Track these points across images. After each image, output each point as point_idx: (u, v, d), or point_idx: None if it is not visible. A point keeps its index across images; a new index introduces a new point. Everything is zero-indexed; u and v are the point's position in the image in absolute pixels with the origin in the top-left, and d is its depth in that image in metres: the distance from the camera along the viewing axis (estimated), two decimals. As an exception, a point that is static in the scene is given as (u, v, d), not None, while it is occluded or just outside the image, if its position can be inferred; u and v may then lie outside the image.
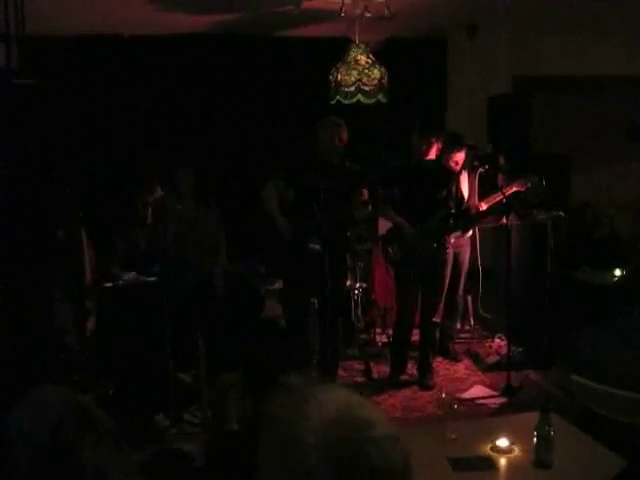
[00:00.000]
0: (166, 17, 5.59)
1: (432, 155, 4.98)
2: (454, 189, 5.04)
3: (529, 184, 5.15)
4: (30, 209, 4.24)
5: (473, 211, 5.29)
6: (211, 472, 2.23)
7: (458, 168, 5.45)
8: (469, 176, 5.62)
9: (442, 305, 5.33)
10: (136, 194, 5.40)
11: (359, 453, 0.96)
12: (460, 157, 5.39)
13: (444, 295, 5.18)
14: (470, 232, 5.60)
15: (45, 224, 4.45)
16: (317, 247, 4.53)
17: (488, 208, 5.33)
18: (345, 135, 4.79)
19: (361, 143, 6.37)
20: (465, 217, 5.11)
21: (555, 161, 6.54)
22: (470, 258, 5.74)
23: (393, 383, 5.15)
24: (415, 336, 5.31)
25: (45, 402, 1.29)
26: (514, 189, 5.17)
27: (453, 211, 5.00)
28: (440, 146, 5.01)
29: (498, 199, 5.20)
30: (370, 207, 4.99)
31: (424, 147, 4.94)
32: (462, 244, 5.57)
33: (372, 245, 5.87)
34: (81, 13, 5.31)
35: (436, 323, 5.19)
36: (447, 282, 5.17)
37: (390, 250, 5.02)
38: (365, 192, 4.84)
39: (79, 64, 6.06)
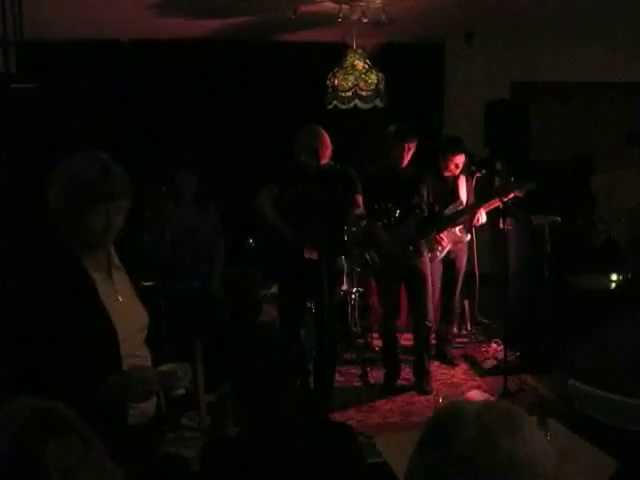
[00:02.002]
0: (164, 22, 5.60)
1: (406, 160, 4.97)
2: (426, 193, 5.04)
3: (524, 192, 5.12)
4: (28, 212, 4.24)
5: (446, 213, 5.28)
6: (206, 477, 2.23)
7: (458, 171, 5.47)
8: (467, 181, 5.63)
9: (438, 309, 5.32)
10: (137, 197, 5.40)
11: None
12: (460, 160, 5.41)
13: (430, 298, 5.14)
14: (468, 237, 5.60)
15: (43, 227, 4.44)
16: (313, 257, 4.53)
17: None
18: (321, 141, 4.59)
19: (357, 148, 6.40)
20: (438, 220, 5.12)
21: (553, 167, 6.56)
22: (467, 263, 5.74)
23: (388, 388, 5.14)
24: (410, 341, 5.30)
25: (11, 407, 1.30)
26: (512, 195, 5.15)
27: (426, 214, 5.01)
28: (414, 151, 4.98)
29: (495, 205, 5.21)
30: (365, 222, 4.98)
31: (402, 153, 4.90)
32: (459, 249, 5.58)
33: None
34: (79, 18, 5.32)
35: (429, 327, 5.17)
36: (430, 285, 5.12)
37: (367, 256, 5.02)
38: (360, 199, 4.79)
39: (77, 69, 6.07)
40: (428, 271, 5.11)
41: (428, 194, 5.09)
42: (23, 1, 3.62)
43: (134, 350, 2.33)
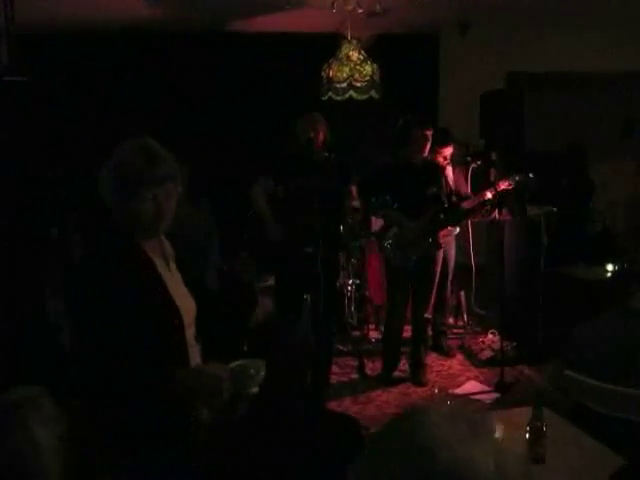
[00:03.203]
0: (158, 13, 5.57)
1: (427, 149, 4.93)
2: (444, 183, 5.03)
3: (515, 180, 5.11)
4: (23, 207, 4.23)
5: (463, 205, 5.25)
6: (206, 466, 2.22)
7: (446, 163, 5.45)
8: (454, 171, 5.61)
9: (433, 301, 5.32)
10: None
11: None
12: (449, 152, 5.41)
13: (434, 291, 5.16)
14: (457, 229, 5.59)
15: (38, 222, 4.43)
16: (310, 250, 4.51)
17: (479, 201, 5.30)
18: (324, 130, 4.67)
19: (352, 139, 6.38)
20: (456, 211, 5.10)
21: (549, 157, 6.56)
22: (461, 254, 5.74)
23: (385, 380, 5.14)
24: (407, 332, 5.30)
25: None
26: (501, 187, 5.13)
27: (446, 206, 4.99)
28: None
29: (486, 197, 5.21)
30: (359, 214, 4.96)
31: (425, 141, 4.85)
32: (448, 241, 5.54)
33: (365, 240, 5.85)
34: (71, 9, 5.29)
35: (428, 319, 5.18)
36: (437, 279, 5.15)
37: (387, 246, 4.99)
38: (354, 189, 4.78)
39: (70, 60, 6.04)
40: (439, 265, 5.11)
41: (446, 184, 5.07)
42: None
43: (192, 340, 2.30)
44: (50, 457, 1.29)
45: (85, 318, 2.09)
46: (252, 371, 2.26)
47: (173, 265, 2.34)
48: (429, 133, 4.86)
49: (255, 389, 2.24)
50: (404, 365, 5.31)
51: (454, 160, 5.60)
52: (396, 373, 5.25)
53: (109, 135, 6.30)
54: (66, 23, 5.72)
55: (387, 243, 4.96)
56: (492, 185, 5.06)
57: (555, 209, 5.57)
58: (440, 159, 5.37)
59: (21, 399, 1.33)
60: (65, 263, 4.71)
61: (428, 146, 4.91)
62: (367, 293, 6.05)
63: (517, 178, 5.02)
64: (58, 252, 4.70)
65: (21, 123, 3.73)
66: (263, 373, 2.25)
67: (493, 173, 5.76)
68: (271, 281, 5.38)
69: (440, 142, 5.35)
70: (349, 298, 5.85)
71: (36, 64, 4.59)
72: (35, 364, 4.02)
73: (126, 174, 2.13)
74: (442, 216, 4.97)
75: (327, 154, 4.65)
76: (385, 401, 4.86)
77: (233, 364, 2.29)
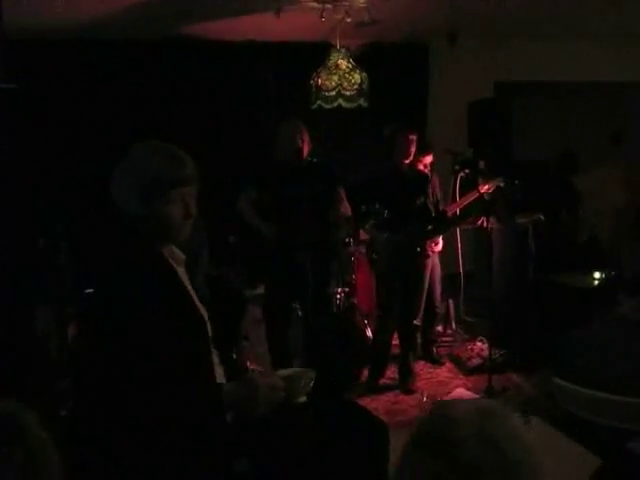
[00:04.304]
0: (151, 21, 5.59)
1: (412, 155, 4.94)
2: (430, 192, 5.05)
3: (496, 184, 5.14)
4: (11, 216, 4.21)
5: (450, 214, 5.29)
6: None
7: (426, 171, 5.47)
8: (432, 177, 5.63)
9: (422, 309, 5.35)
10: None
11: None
12: (428, 160, 5.43)
13: (423, 298, 5.17)
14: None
15: (26, 231, 4.41)
16: (300, 258, 4.49)
17: (465, 210, 5.34)
18: (308, 136, 4.65)
19: (341, 147, 6.40)
20: (444, 220, 5.13)
21: (536, 166, 6.60)
22: (447, 262, 5.76)
23: (371, 388, 5.12)
24: (396, 340, 5.31)
25: None
26: (483, 190, 5.14)
27: (434, 215, 5.02)
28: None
29: (468, 201, 5.23)
30: (351, 224, 4.97)
31: (408, 145, 4.84)
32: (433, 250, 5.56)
33: (354, 249, 5.86)
34: (61, 17, 5.29)
35: (417, 326, 5.19)
36: (426, 286, 5.16)
37: (375, 256, 5.01)
38: (342, 193, 4.79)
39: (61, 68, 6.04)
40: (428, 272, 5.13)
41: (433, 194, 5.09)
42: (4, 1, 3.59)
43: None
44: (51, 465, 1.29)
45: (120, 342, 1.92)
46: (304, 379, 2.21)
47: (185, 270, 2.25)
48: (412, 137, 4.85)
49: (303, 398, 2.21)
50: (393, 373, 5.31)
51: (434, 168, 5.62)
52: (385, 381, 5.25)
53: (100, 142, 6.31)
54: (57, 29, 5.72)
55: (375, 253, 4.98)
56: (474, 188, 5.09)
57: (543, 217, 5.60)
58: (420, 167, 5.38)
59: (12, 408, 1.33)
60: (53, 271, 4.69)
61: (413, 150, 4.90)
62: (356, 301, 6.05)
63: (498, 181, 5.06)
64: (46, 259, 4.68)
65: (11, 131, 3.72)
66: (313, 381, 2.23)
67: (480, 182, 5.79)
68: (260, 289, 5.38)
69: (420, 150, 5.35)
70: (338, 306, 5.85)
71: (27, 72, 4.59)
72: (23, 372, 4.00)
73: (152, 179, 2.03)
74: (430, 226, 5.00)
75: (310, 159, 4.65)
76: (374, 409, 4.84)
77: (283, 372, 2.24)
